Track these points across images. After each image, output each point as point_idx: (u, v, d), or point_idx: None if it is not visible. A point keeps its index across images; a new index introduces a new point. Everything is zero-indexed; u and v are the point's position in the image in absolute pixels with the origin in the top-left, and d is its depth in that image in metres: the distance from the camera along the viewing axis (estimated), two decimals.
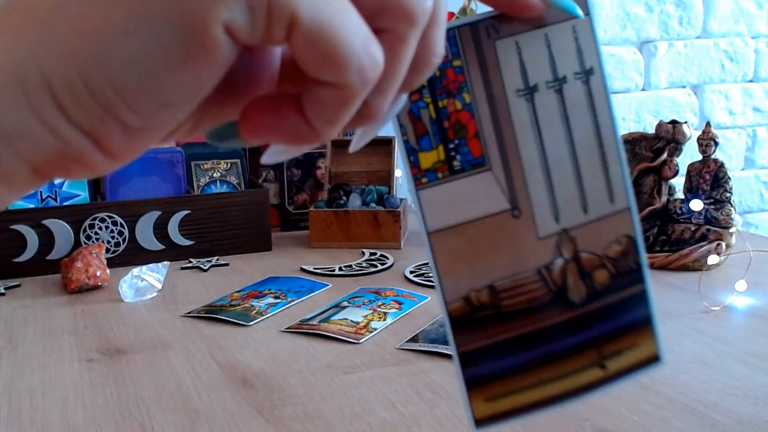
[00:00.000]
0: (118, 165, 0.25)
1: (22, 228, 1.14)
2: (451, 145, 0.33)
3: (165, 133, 0.26)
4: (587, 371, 0.35)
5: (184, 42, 0.22)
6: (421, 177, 0.33)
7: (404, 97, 0.29)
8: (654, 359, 0.36)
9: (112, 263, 1.15)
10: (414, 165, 0.33)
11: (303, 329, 0.90)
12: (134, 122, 0.23)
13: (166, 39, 0.22)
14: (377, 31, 0.24)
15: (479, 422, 0.35)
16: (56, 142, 0.23)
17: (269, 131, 0.26)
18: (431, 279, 0.89)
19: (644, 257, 0.35)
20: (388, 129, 0.33)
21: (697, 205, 1.10)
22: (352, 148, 0.32)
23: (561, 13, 0.32)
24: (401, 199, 1.32)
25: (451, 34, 0.32)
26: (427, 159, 0.33)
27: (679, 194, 1.15)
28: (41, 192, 1.24)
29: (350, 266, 1.16)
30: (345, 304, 0.97)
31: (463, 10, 1.26)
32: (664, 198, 1.13)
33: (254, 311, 0.96)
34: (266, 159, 0.29)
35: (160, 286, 1.06)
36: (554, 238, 0.34)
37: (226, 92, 0.26)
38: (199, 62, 0.22)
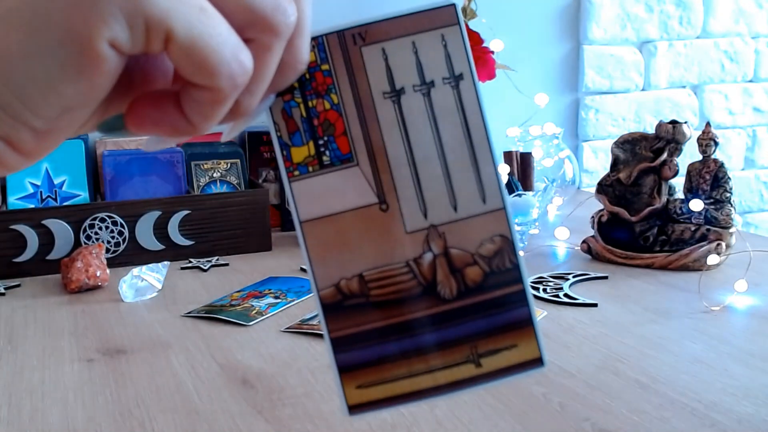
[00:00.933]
0: (33, 162, 0.29)
1: (22, 228, 1.14)
2: (321, 142, 0.35)
3: (72, 131, 0.29)
4: (461, 367, 0.36)
5: (75, 58, 0.25)
6: (293, 170, 0.36)
7: (272, 96, 0.32)
8: (536, 362, 0.36)
9: (112, 263, 1.15)
10: (287, 159, 0.36)
11: (303, 329, 0.90)
12: (42, 126, 0.27)
13: (60, 57, 0.25)
14: (247, 41, 0.28)
15: (352, 408, 0.36)
16: None
17: (152, 124, 0.29)
18: None
19: (521, 257, 0.36)
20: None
21: (697, 205, 1.09)
22: (224, 138, 0.34)
23: (430, 21, 0.34)
24: None
25: (320, 41, 0.35)
26: (299, 154, 0.36)
27: (679, 194, 1.15)
28: (41, 192, 1.24)
29: None
30: None
31: (463, 10, 1.26)
32: (664, 198, 1.13)
33: (254, 311, 0.96)
34: (146, 147, 0.33)
35: (160, 286, 1.06)
36: (423, 233, 0.36)
37: (125, 90, 0.30)
38: (90, 73, 0.26)
